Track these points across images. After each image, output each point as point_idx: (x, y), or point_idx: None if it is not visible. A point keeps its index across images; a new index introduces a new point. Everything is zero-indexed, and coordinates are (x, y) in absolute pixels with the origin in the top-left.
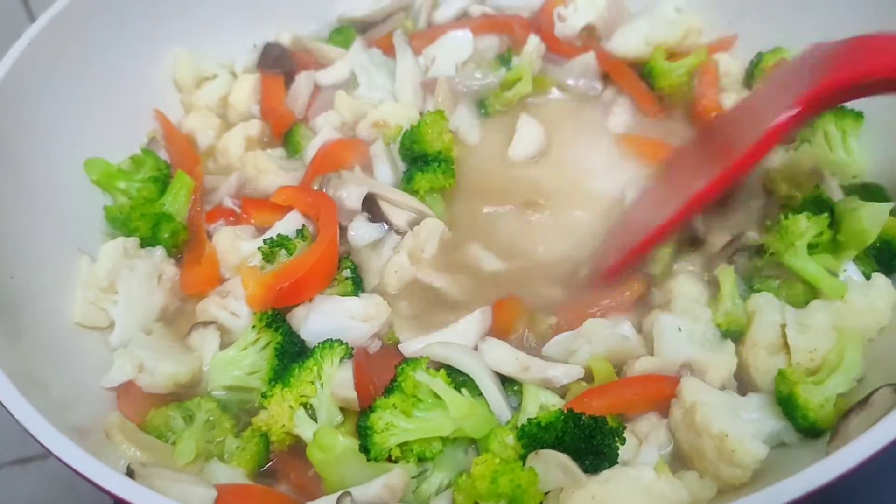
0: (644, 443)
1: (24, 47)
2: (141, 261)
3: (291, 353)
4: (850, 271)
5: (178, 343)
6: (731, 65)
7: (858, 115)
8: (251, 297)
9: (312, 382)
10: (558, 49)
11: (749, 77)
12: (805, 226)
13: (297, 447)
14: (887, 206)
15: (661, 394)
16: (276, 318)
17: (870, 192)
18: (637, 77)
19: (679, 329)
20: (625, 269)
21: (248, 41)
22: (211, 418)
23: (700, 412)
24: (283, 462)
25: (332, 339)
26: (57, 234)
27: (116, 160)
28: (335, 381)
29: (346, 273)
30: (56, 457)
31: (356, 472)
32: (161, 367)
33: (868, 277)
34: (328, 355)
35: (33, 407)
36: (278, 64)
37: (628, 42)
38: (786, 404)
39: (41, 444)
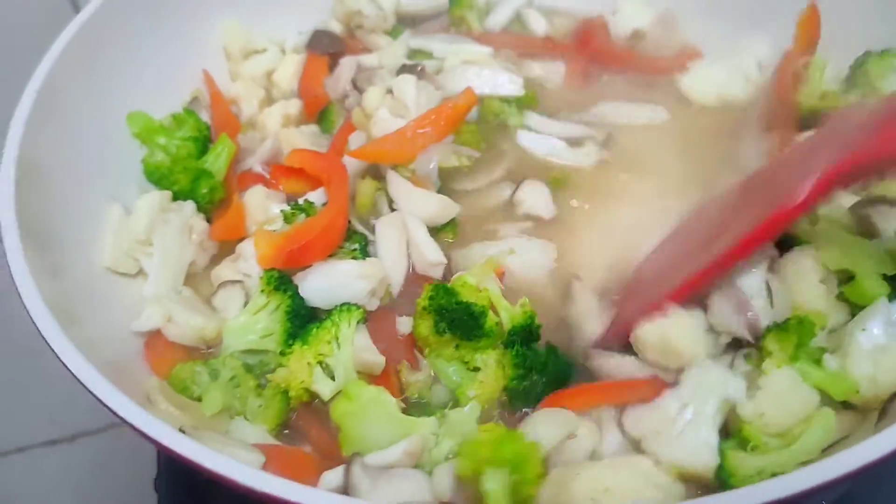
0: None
1: (79, 26)
2: (174, 214)
3: (303, 315)
4: (875, 327)
5: (205, 304)
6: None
7: None
8: (262, 257)
9: (329, 342)
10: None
11: (848, 79)
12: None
13: (316, 405)
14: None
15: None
16: (283, 280)
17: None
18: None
19: None
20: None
21: (300, 22)
22: (235, 376)
23: None
24: (303, 419)
25: (348, 303)
26: (95, 181)
27: (159, 117)
28: (356, 344)
29: (355, 246)
30: (108, 407)
31: (377, 426)
32: (190, 320)
33: None
34: (345, 317)
35: (85, 359)
36: (328, 46)
37: (699, 87)
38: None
39: (96, 399)
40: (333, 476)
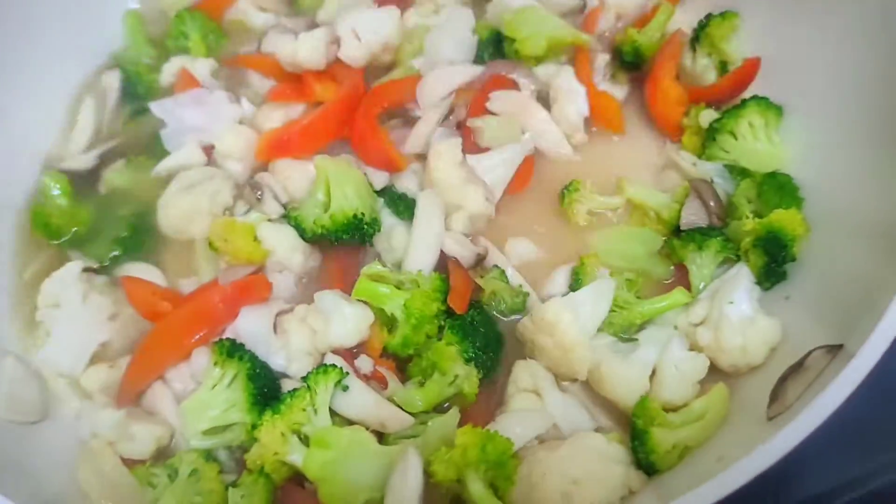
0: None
1: None
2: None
3: (263, 375)
4: (741, 302)
5: (142, 412)
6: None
7: (779, 108)
8: (258, 150)
9: (305, 409)
10: None
11: (695, 40)
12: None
13: (302, 479)
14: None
15: None
16: (234, 346)
17: (777, 181)
18: None
19: None
20: None
21: None
22: (195, 469)
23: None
24: (292, 496)
25: (326, 364)
26: None
27: None
28: (368, 403)
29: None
30: None
31: (360, 466)
32: (139, 431)
33: (763, 283)
34: (322, 381)
35: None
36: None
37: None
38: (637, 436)
39: None
40: None
